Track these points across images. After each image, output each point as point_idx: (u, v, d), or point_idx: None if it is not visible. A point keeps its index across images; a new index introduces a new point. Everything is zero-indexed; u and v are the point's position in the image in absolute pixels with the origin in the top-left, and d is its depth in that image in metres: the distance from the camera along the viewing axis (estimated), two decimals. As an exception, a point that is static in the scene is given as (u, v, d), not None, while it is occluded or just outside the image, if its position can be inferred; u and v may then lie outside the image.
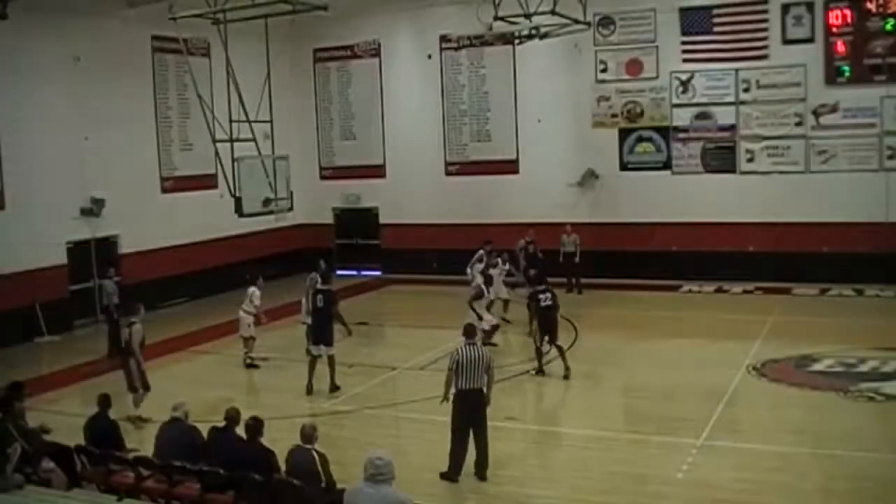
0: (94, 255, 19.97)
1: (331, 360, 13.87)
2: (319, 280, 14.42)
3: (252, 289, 15.89)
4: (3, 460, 8.57)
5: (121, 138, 20.23)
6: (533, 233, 20.59)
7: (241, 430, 9.02)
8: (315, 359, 13.87)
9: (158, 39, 21.26)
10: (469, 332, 10.43)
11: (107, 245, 20.35)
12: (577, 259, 21.06)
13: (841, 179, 20.31)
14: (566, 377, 13.95)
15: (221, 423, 9.11)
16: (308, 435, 8.51)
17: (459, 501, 9.81)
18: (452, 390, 10.14)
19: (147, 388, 12.74)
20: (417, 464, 10.29)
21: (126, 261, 20.66)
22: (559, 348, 14.34)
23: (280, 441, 9.01)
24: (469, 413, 9.98)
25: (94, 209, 19.74)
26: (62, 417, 11.66)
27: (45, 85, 18.72)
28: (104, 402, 9.72)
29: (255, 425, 8.74)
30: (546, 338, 14.15)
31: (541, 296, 14.40)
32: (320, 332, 13.86)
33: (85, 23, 19.38)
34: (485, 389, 10.08)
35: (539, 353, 14.23)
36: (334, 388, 13.82)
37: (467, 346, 10.10)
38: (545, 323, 14.25)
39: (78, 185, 19.48)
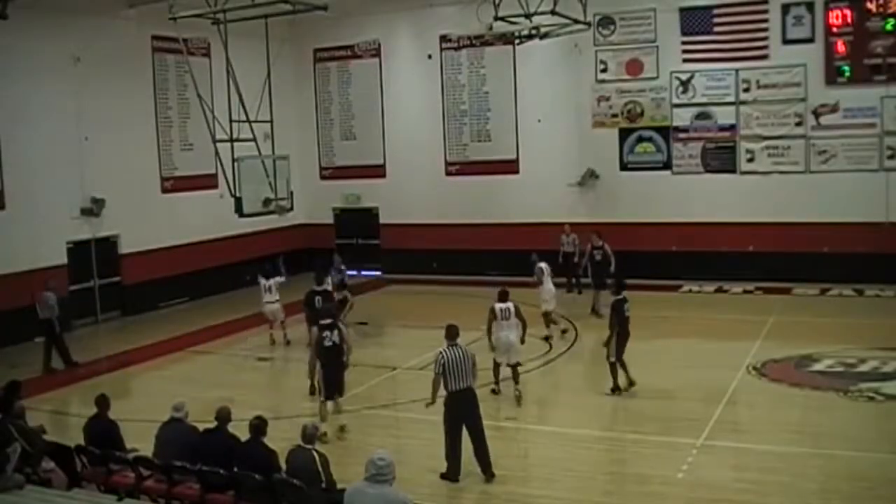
0: (94, 255, 19.99)
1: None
2: (315, 282, 14.42)
3: (272, 279, 17.13)
4: (3, 460, 8.57)
5: (121, 138, 20.21)
6: (596, 237, 19.21)
7: (232, 429, 9.03)
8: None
9: (158, 39, 21.25)
10: (451, 333, 10.40)
11: (107, 245, 20.38)
12: (576, 259, 21.02)
13: (841, 179, 20.30)
14: (627, 388, 13.12)
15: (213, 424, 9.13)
16: (310, 435, 8.52)
17: (459, 501, 9.80)
18: (443, 392, 10.15)
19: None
20: (417, 464, 10.29)
21: (126, 261, 20.70)
22: (621, 363, 13.21)
23: (281, 441, 9.01)
24: (464, 412, 10.01)
25: (94, 209, 19.75)
26: (61, 417, 11.68)
27: (45, 85, 18.71)
28: (102, 402, 9.71)
29: (259, 425, 8.73)
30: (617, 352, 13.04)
31: (625, 305, 13.19)
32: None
33: (85, 23, 19.39)
34: (474, 387, 10.15)
35: (615, 369, 13.10)
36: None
37: (450, 348, 10.16)
38: (625, 336, 13.15)
39: (78, 185, 19.49)
